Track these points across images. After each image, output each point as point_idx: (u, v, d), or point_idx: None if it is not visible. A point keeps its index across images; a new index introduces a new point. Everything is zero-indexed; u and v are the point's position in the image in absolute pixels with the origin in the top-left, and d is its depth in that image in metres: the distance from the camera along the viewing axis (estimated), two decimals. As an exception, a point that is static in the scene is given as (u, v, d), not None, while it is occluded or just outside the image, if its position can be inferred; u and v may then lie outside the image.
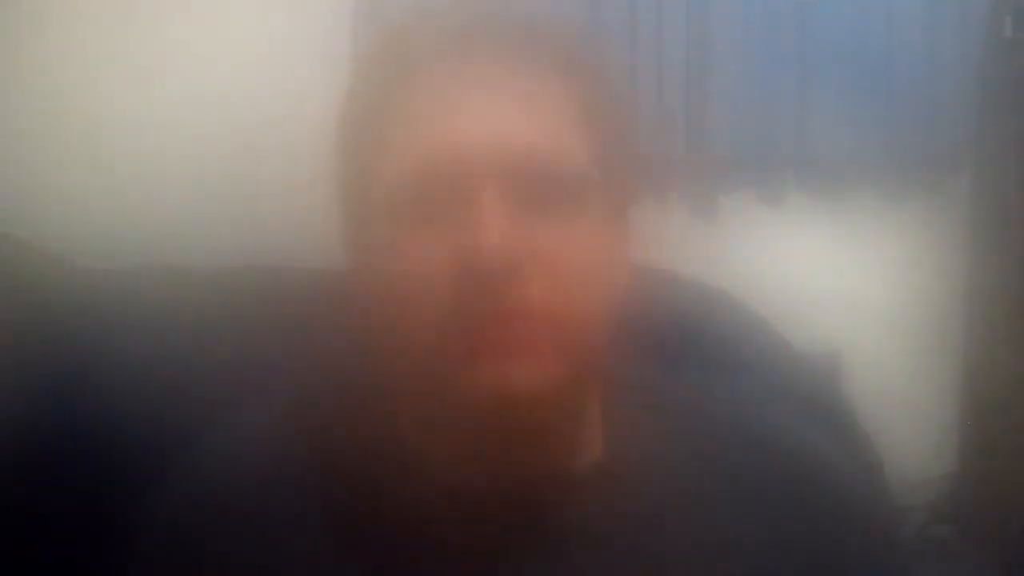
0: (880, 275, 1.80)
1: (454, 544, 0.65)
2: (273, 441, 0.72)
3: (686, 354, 1.04)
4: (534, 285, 0.57)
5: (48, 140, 1.66)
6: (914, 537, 1.68)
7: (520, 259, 0.57)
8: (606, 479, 0.67)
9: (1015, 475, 1.71)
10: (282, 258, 1.23)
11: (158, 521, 0.74)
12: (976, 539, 1.73)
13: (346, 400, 0.73)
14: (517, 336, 0.57)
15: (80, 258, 1.23)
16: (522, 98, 0.60)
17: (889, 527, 1.02)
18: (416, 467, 0.67)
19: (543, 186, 0.59)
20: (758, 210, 1.80)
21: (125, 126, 1.67)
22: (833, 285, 1.78)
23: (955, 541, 1.74)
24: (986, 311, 1.78)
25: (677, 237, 1.76)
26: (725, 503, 0.69)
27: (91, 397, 1.04)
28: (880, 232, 1.80)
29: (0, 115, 1.65)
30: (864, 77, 1.71)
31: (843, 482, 0.76)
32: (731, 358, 1.07)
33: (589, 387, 0.67)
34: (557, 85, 0.62)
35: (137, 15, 1.67)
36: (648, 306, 0.76)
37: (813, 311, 1.67)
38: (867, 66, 1.71)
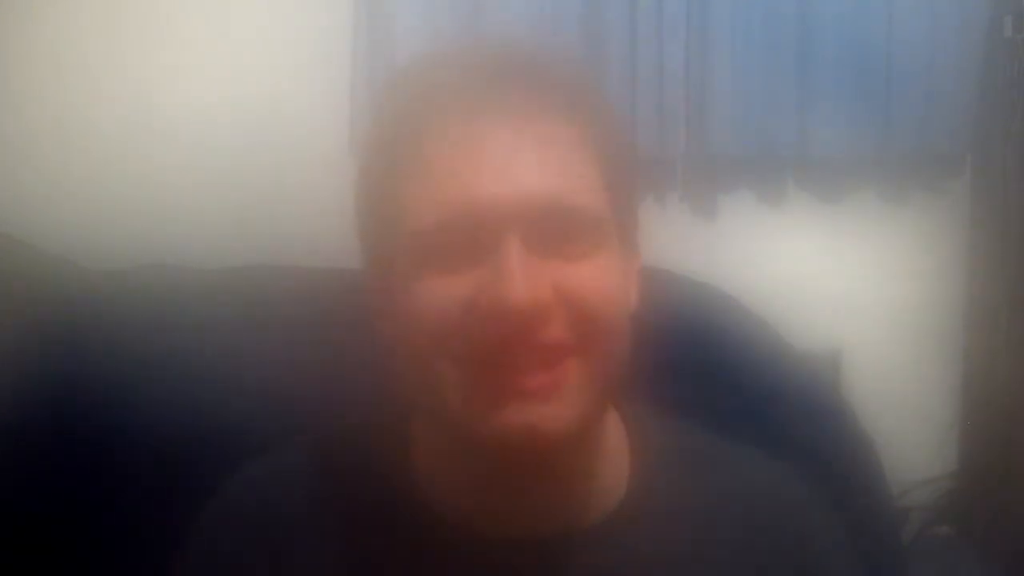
0: (880, 275, 1.80)
1: None
2: (288, 474, 0.72)
3: (686, 356, 1.03)
4: (558, 328, 0.58)
5: (49, 141, 1.66)
6: (914, 537, 1.68)
7: (544, 306, 0.57)
8: (628, 524, 0.68)
9: (1015, 475, 1.70)
10: (281, 257, 1.23)
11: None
12: (976, 539, 1.72)
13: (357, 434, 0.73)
14: (544, 381, 0.58)
15: (80, 258, 1.23)
16: (537, 150, 0.60)
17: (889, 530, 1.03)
18: (432, 515, 0.67)
19: (561, 229, 0.59)
20: (758, 210, 1.80)
21: (126, 127, 1.67)
22: (833, 285, 1.78)
23: (955, 541, 1.74)
24: (986, 311, 1.77)
25: (677, 237, 1.76)
26: (739, 549, 0.70)
27: (91, 396, 1.04)
28: (880, 232, 1.80)
29: (0, 116, 1.65)
30: (864, 77, 1.71)
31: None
32: (731, 358, 1.07)
33: (612, 426, 0.68)
34: (569, 135, 0.62)
35: (137, 17, 1.67)
36: (646, 308, 0.77)
37: (813, 311, 1.68)
38: (867, 66, 1.71)
